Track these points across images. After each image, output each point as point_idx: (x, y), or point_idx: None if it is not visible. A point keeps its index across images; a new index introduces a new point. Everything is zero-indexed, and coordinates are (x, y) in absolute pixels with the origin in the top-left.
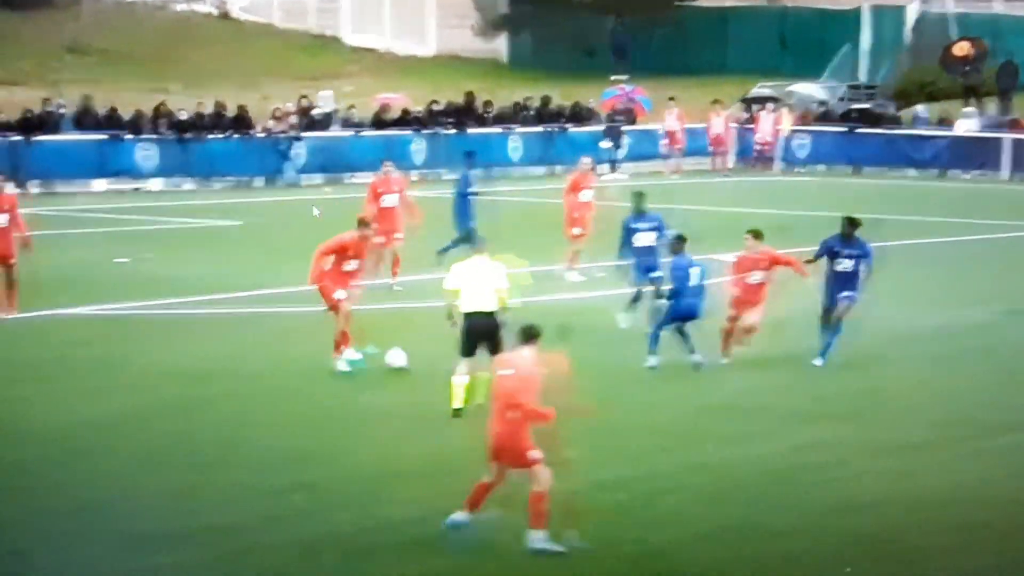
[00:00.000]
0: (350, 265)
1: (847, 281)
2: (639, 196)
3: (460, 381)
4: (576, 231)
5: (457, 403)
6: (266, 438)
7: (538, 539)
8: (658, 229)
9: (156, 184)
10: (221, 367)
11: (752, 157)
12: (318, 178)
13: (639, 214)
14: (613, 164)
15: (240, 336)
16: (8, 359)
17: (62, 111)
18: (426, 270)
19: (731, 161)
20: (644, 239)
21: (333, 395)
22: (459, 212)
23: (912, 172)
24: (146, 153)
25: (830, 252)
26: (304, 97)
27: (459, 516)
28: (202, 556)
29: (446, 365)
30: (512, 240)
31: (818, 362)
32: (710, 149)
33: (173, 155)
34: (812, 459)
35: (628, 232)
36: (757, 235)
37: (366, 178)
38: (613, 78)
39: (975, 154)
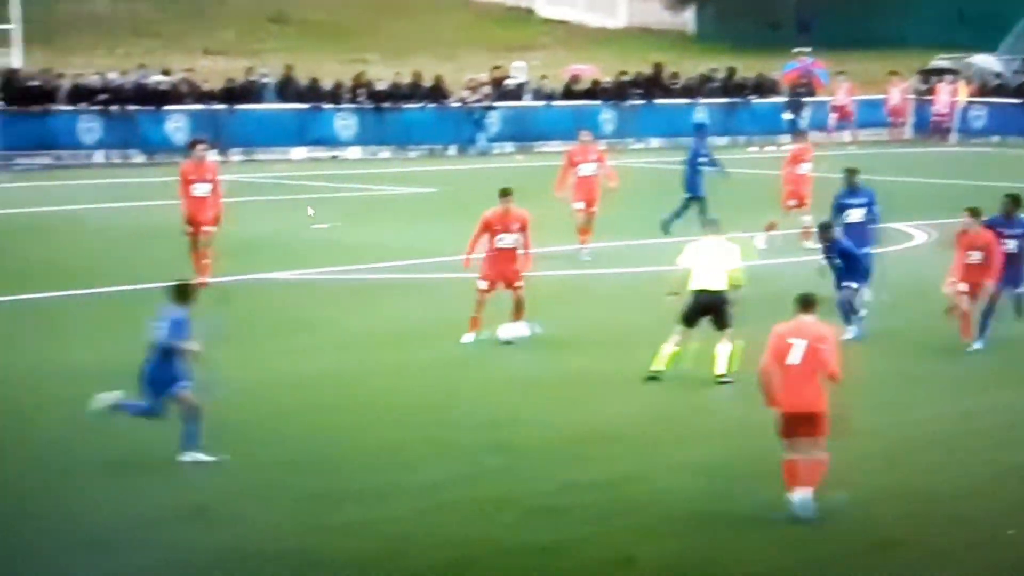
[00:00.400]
0: (504, 241)
1: (1011, 264)
2: (851, 172)
3: (669, 348)
4: (791, 203)
5: (657, 366)
6: (463, 401)
7: (804, 499)
8: (869, 205)
9: (354, 152)
10: (417, 331)
11: (929, 128)
12: (509, 147)
13: (851, 189)
14: (793, 135)
15: (435, 301)
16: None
17: (265, 80)
18: (618, 238)
19: (908, 132)
20: (855, 215)
21: (525, 361)
22: (689, 182)
23: None
24: (345, 122)
25: (994, 231)
26: (497, 68)
27: (796, 499)
28: (399, 512)
29: (638, 332)
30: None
31: (977, 346)
32: (888, 120)
33: (371, 124)
34: (979, 424)
35: (839, 207)
36: (974, 213)
37: (555, 147)
38: (796, 50)
39: None
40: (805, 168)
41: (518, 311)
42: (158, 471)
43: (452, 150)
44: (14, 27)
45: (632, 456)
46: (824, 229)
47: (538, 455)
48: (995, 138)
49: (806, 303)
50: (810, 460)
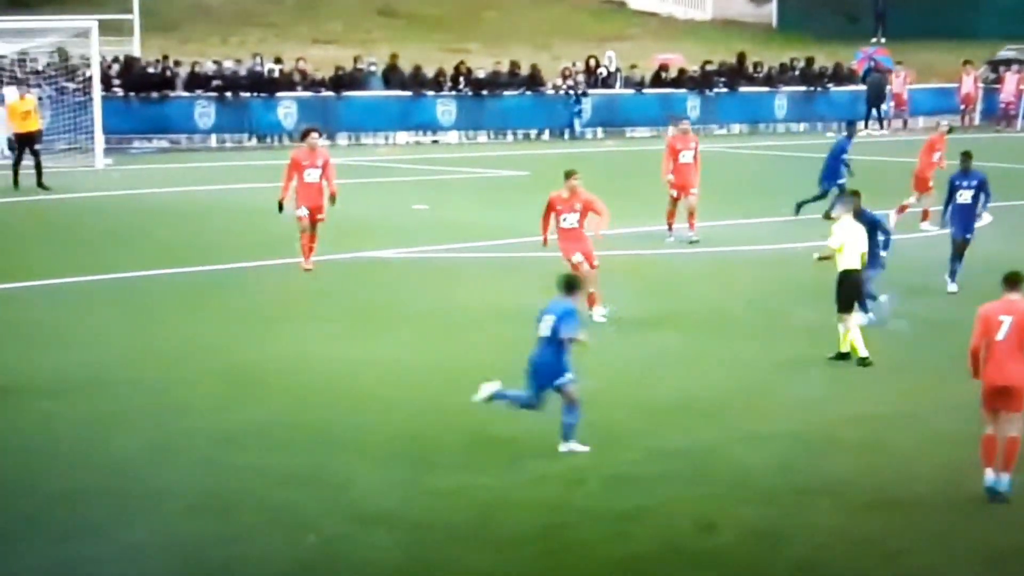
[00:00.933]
0: (566, 221)
1: None
2: (966, 155)
3: (855, 334)
4: (931, 185)
5: (863, 352)
6: None
7: (1005, 482)
8: (978, 188)
9: (453, 137)
10: (509, 308)
11: (997, 115)
12: (600, 132)
13: (964, 172)
14: (867, 121)
15: (525, 278)
16: (319, 296)
17: (371, 69)
18: (713, 219)
19: (977, 119)
20: (964, 196)
21: (609, 339)
22: (827, 172)
23: None
24: (445, 108)
25: None
26: (591, 57)
27: (989, 477)
28: (490, 480)
29: (720, 311)
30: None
31: None
32: (960, 107)
33: (470, 110)
34: None
35: (952, 189)
36: None
37: (643, 133)
38: (873, 41)
39: None
40: (936, 156)
41: (590, 290)
42: (270, 441)
43: (546, 135)
44: (134, 17)
45: (712, 428)
46: (853, 195)
47: (622, 426)
48: None
49: (1013, 281)
50: (1006, 440)
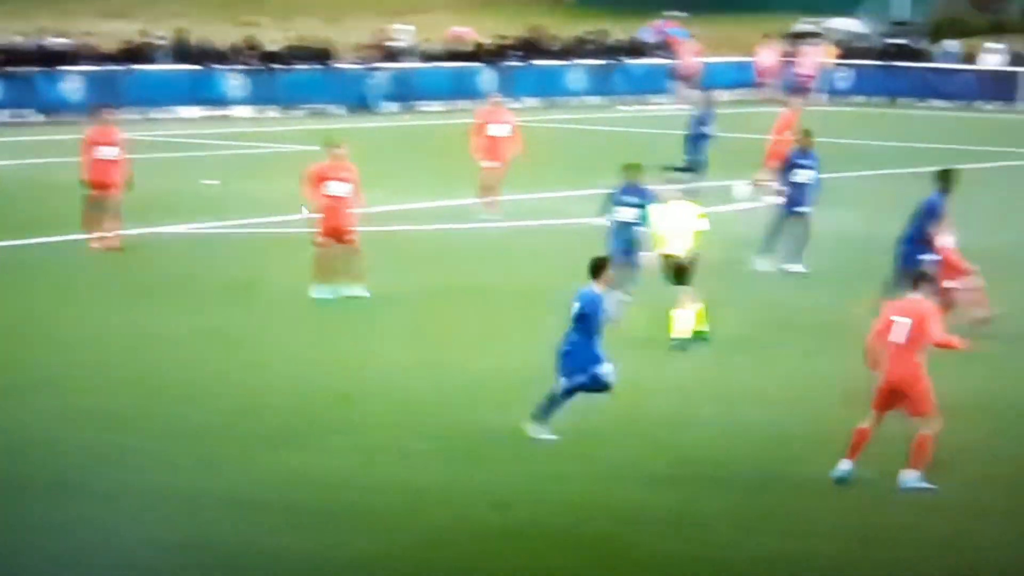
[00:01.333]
0: (331, 189)
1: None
2: (806, 134)
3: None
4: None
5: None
6: (373, 350)
7: (912, 478)
8: (816, 168)
9: (244, 111)
10: (303, 281)
11: (793, 88)
12: (394, 107)
13: (803, 150)
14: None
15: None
16: (114, 275)
17: (161, 42)
18: (522, 192)
19: (777, 92)
20: (803, 176)
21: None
22: (691, 144)
23: (940, 103)
24: (235, 83)
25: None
26: (383, 31)
27: (843, 467)
28: (298, 457)
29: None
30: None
31: None
32: (758, 81)
33: (260, 85)
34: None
35: (791, 166)
36: None
37: (437, 107)
38: (666, 14)
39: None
40: (788, 135)
41: (353, 266)
42: (103, 420)
43: (338, 110)
44: None
45: (516, 407)
46: (631, 169)
47: (421, 405)
48: (859, 98)
49: (915, 280)
50: (916, 437)
